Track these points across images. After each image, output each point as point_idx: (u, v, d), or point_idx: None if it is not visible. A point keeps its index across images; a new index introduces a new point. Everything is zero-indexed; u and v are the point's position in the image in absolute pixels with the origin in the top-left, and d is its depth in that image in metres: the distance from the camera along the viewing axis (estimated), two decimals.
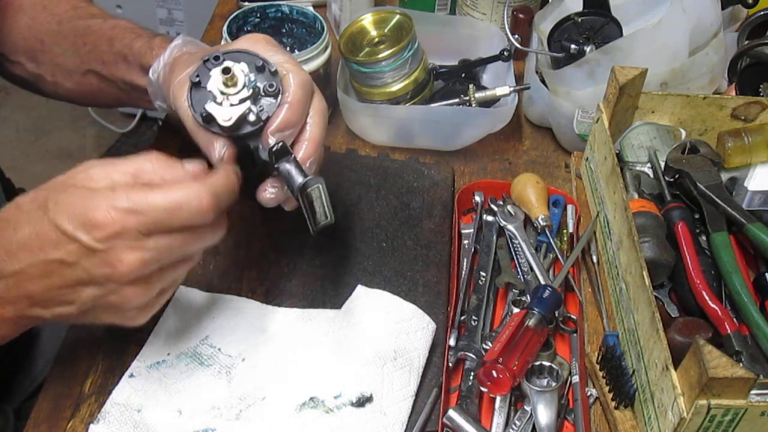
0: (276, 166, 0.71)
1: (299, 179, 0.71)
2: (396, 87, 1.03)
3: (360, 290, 0.82)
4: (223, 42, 0.99)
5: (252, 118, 0.71)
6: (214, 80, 0.71)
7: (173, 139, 1.00)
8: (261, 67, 0.72)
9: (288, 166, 0.71)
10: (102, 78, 0.88)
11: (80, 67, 0.89)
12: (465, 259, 0.89)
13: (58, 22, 0.91)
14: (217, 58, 0.72)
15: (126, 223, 0.62)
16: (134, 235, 0.62)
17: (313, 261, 0.88)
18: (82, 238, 0.62)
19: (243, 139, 0.72)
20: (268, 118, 0.72)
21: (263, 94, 0.72)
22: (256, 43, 0.75)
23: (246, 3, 1.19)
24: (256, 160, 0.74)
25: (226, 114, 0.70)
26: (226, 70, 0.70)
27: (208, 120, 0.71)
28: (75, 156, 2.55)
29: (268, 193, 0.74)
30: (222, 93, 0.71)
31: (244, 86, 0.71)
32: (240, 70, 0.71)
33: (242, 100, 0.71)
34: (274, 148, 0.71)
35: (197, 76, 0.72)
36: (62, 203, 0.63)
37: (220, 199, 0.65)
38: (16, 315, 0.67)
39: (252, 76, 0.72)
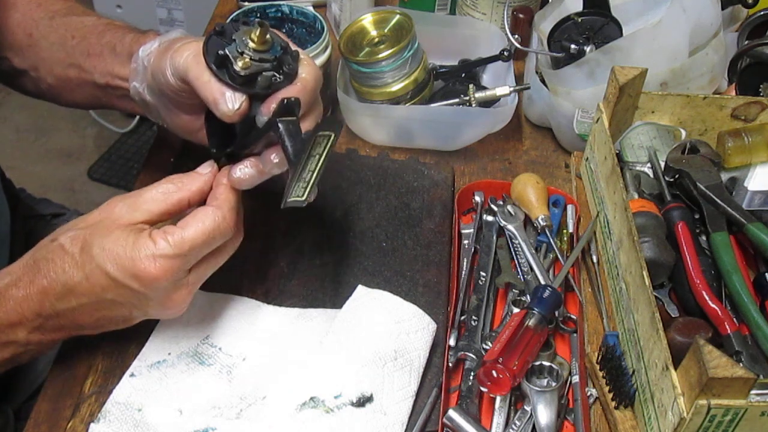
0: (278, 120, 0.68)
1: (299, 133, 0.67)
2: (396, 87, 1.03)
3: (360, 290, 0.82)
4: None
5: (264, 81, 0.69)
6: (242, 33, 0.68)
7: (173, 139, 0.99)
8: (285, 48, 0.71)
9: (288, 125, 0.67)
10: (82, 71, 0.87)
11: (63, 61, 0.89)
12: (465, 259, 0.89)
13: (50, 17, 0.91)
14: (246, 23, 0.70)
15: (172, 268, 0.68)
16: (181, 275, 0.69)
17: (313, 261, 0.88)
18: (133, 286, 0.68)
19: (249, 98, 0.70)
20: (277, 89, 0.70)
21: (281, 70, 0.70)
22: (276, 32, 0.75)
23: (246, 3, 1.19)
24: (240, 130, 0.71)
25: (242, 63, 0.68)
26: (264, 25, 0.68)
27: (220, 63, 0.68)
28: (75, 156, 2.55)
29: (241, 171, 0.72)
30: (246, 46, 0.68)
31: (269, 49, 0.69)
32: (272, 34, 0.69)
33: (262, 60, 0.69)
34: (286, 101, 0.68)
35: (221, 26, 0.70)
36: (109, 251, 0.68)
37: (239, 211, 0.73)
38: (66, 337, 0.75)
39: (278, 48, 0.70)
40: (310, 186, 0.68)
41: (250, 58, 0.68)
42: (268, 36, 0.69)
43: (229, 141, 0.74)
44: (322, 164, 0.68)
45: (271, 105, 0.69)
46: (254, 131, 0.71)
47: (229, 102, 0.68)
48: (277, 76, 0.70)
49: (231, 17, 1.00)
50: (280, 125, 0.68)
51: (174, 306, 0.72)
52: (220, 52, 0.68)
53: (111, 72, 0.85)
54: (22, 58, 0.92)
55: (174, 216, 0.72)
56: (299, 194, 0.68)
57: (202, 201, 0.73)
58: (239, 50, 0.68)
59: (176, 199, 0.71)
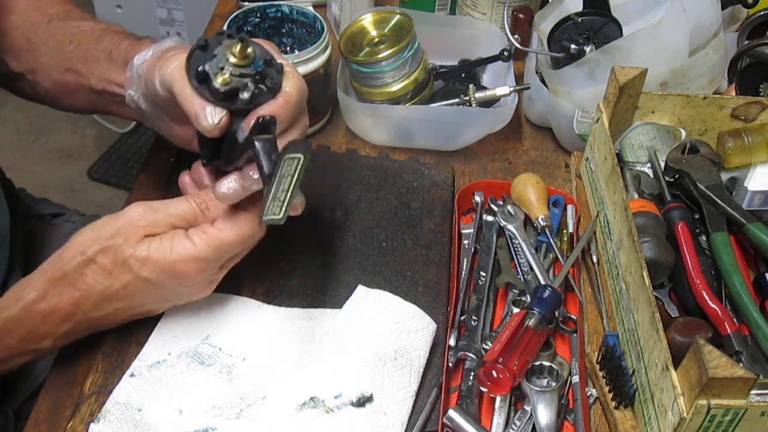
0: (253, 138, 0.67)
1: (275, 160, 0.66)
2: (396, 87, 1.03)
3: (360, 290, 0.82)
4: None
5: (245, 96, 0.69)
6: (224, 47, 0.69)
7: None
8: (269, 62, 0.71)
9: (264, 143, 0.66)
10: (79, 76, 0.87)
11: (61, 65, 0.89)
12: (465, 259, 0.89)
13: (48, 21, 0.91)
14: (231, 35, 0.70)
15: (209, 268, 0.72)
16: (215, 272, 0.74)
17: (313, 261, 0.88)
18: (173, 286, 0.73)
19: (229, 113, 0.70)
20: (259, 104, 0.70)
21: (262, 85, 0.70)
22: (263, 44, 0.75)
23: (246, 3, 1.19)
24: (222, 144, 0.71)
25: (222, 79, 0.68)
26: (244, 41, 0.68)
27: (201, 79, 0.68)
28: (75, 156, 2.55)
29: (225, 186, 0.71)
30: (227, 61, 0.68)
31: (250, 65, 0.69)
32: (254, 49, 0.70)
33: (243, 76, 0.69)
34: (262, 120, 0.68)
35: (205, 40, 0.70)
36: (145, 259, 0.70)
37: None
38: (89, 334, 0.77)
39: (261, 62, 0.70)
40: (284, 205, 0.66)
41: (231, 74, 0.68)
42: (249, 50, 0.69)
43: (219, 152, 0.74)
44: (294, 185, 0.66)
45: (250, 121, 0.69)
46: (236, 146, 0.70)
47: (209, 116, 0.69)
48: (260, 89, 0.70)
49: (228, 19, 1.00)
50: (256, 143, 0.67)
51: (200, 296, 0.77)
52: (200, 68, 0.68)
53: (108, 78, 0.85)
54: (19, 62, 0.92)
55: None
56: (275, 212, 0.66)
57: None
58: (219, 66, 0.68)
59: (200, 222, 0.73)
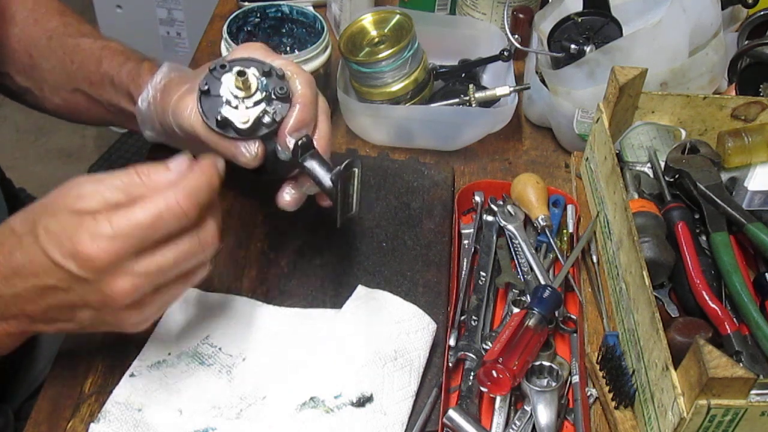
0: (301, 161, 0.72)
1: (328, 171, 0.72)
2: (396, 87, 1.03)
3: (360, 290, 0.82)
4: (223, 42, 0.99)
5: (267, 120, 0.72)
6: (227, 85, 0.71)
7: None
8: (268, 72, 0.73)
9: (312, 161, 0.72)
10: (89, 98, 0.89)
11: (68, 85, 0.89)
12: (465, 259, 0.89)
13: (48, 38, 0.91)
14: (223, 66, 0.72)
15: (113, 251, 0.61)
16: (123, 261, 0.62)
17: (313, 261, 0.88)
18: (72, 268, 0.62)
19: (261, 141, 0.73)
20: (282, 119, 0.73)
21: (274, 97, 0.72)
22: (254, 51, 0.75)
23: (246, 3, 1.19)
24: (266, 165, 0.74)
25: (242, 116, 0.71)
26: (242, 73, 0.71)
27: (224, 125, 0.71)
28: (75, 156, 2.55)
29: (288, 195, 0.76)
30: (236, 97, 0.71)
31: (257, 90, 0.72)
32: (252, 74, 0.72)
33: (256, 103, 0.71)
34: (300, 142, 0.72)
35: (206, 84, 0.72)
36: (51, 231, 0.63)
37: (199, 196, 0.64)
38: (19, 330, 0.69)
39: (264, 80, 0.72)
40: (354, 198, 0.74)
41: (246, 107, 0.71)
42: (249, 80, 0.71)
43: (262, 171, 0.76)
44: (358, 187, 0.74)
45: (284, 138, 0.73)
46: (279, 164, 0.74)
47: (246, 153, 0.72)
48: (275, 105, 0.72)
49: (228, 19, 1.00)
50: (305, 164, 0.72)
51: (117, 298, 0.63)
52: (219, 117, 0.71)
53: (117, 105, 0.87)
54: (24, 77, 0.92)
55: None
56: (350, 209, 0.74)
57: None
58: (233, 105, 0.71)
59: (137, 194, 0.64)
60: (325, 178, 0.71)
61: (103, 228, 0.61)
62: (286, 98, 0.73)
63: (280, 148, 0.73)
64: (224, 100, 0.71)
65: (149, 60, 0.86)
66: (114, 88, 0.86)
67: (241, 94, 0.71)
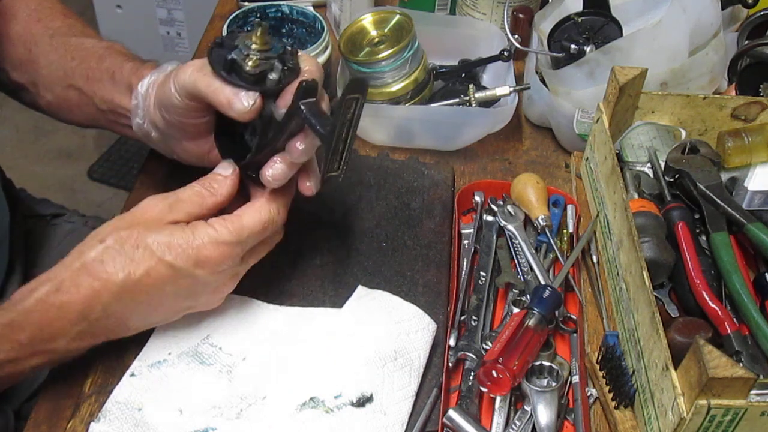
0: (300, 103, 0.69)
1: (326, 120, 0.69)
2: (396, 87, 1.03)
3: (360, 290, 0.82)
4: None
5: (274, 76, 0.71)
6: (244, 37, 0.71)
7: None
8: (283, 46, 0.73)
9: (312, 105, 0.69)
10: (82, 94, 0.88)
11: (63, 81, 0.89)
12: (465, 259, 0.89)
13: (50, 35, 0.91)
14: (241, 30, 0.72)
15: (232, 254, 0.72)
16: (237, 261, 0.73)
17: (313, 261, 0.88)
18: (197, 273, 0.71)
19: (261, 95, 0.72)
20: (288, 83, 0.72)
21: (284, 66, 0.72)
22: None
23: (246, 3, 1.19)
24: (256, 127, 0.73)
25: (251, 63, 0.70)
26: (262, 25, 0.70)
27: (230, 69, 0.70)
28: (75, 156, 2.55)
29: (271, 170, 0.73)
30: (250, 48, 0.70)
31: (271, 48, 0.71)
32: (270, 34, 0.72)
33: (268, 59, 0.71)
34: (305, 84, 0.69)
35: (220, 39, 0.72)
36: (168, 244, 0.70)
37: (288, 206, 0.77)
38: (101, 341, 0.75)
39: (279, 45, 0.72)
40: (344, 156, 0.71)
41: (258, 58, 0.70)
42: (268, 35, 0.71)
43: (242, 153, 0.75)
44: (353, 130, 0.71)
45: (286, 97, 0.71)
46: (274, 126, 0.72)
47: (244, 100, 0.70)
48: (284, 71, 0.72)
49: (228, 19, 1.01)
50: (302, 107, 0.69)
51: (222, 294, 0.76)
52: (228, 57, 0.70)
53: (111, 100, 0.86)
54: (20, 73, 0.92)
55: (205, 218, 0.73)
56: (334, 168, 0.71)
57: (228, 202, 0.76)
58: (245, 53, 0.70)
59: (210, 203, 0.74)
60: (320, 122, 0.68)
61: (224, 234, 0.71)
62: (295, 71, 0.73)
63: (279, 107, 0.72)
64: (239, 49, 0.71)
65: (152, 61, 0.86)
66: (113, 83, 0.85)
67: (256, 46, 0.70)
